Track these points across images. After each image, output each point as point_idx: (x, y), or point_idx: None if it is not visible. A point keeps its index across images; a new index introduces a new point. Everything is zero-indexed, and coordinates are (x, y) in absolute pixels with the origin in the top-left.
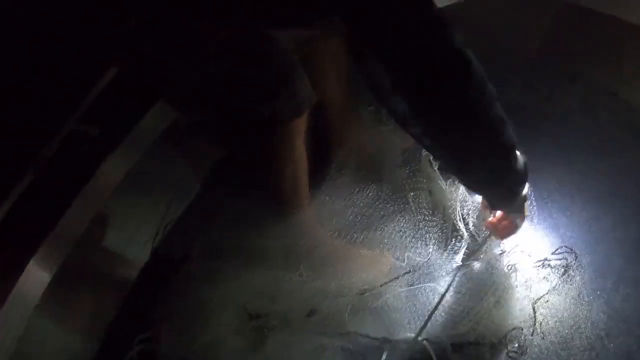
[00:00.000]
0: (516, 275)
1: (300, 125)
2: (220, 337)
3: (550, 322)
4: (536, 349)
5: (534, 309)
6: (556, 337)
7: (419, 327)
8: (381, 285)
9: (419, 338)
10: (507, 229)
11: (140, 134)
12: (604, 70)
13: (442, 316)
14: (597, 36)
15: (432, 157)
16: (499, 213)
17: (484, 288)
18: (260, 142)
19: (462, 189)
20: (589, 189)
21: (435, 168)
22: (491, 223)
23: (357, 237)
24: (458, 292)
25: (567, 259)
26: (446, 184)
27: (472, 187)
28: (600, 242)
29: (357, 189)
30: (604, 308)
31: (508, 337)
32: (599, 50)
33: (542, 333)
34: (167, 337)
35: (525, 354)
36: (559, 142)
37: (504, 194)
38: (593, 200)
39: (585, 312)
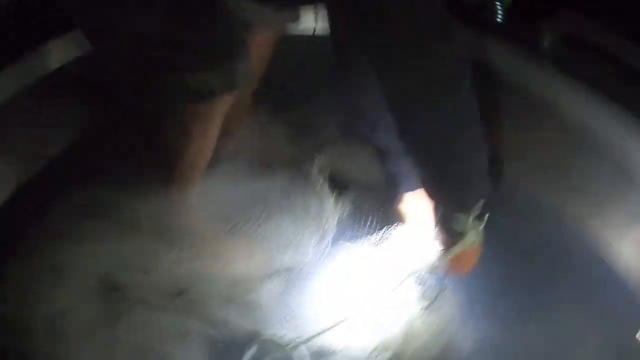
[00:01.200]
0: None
1: (225, 103)
2: (68, 308)
3: (425, 336)
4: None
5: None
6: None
7: (289, 328)
8: (255, 280)
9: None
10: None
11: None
12: None
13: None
14: None
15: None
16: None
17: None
18: (176, 111)
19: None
20: None
21: (324, 175)
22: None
23: (239, 227)
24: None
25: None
26: (331, 193)
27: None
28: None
29: (244, 180)
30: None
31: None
32: None
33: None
34: (10, 301)
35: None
36: None
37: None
38: None
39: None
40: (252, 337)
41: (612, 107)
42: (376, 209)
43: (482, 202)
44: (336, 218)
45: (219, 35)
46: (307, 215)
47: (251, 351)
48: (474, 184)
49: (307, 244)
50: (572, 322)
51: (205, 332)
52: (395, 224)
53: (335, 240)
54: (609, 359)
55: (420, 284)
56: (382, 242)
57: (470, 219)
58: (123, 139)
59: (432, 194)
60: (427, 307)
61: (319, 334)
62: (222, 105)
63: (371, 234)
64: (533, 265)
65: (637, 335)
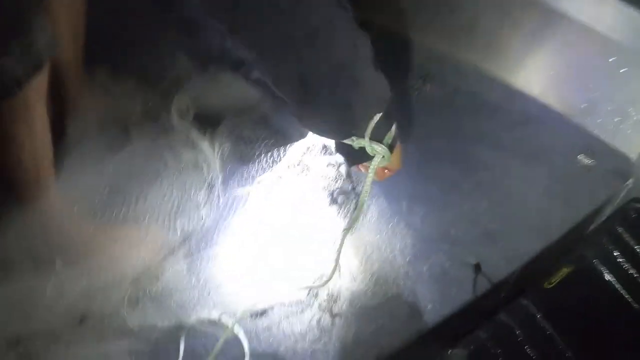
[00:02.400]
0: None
1: (40, 86)
2: None
3: (355, 261)
4: (347, 293)
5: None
6: (367, 274)
7: (211, 302)
8: (156, 265)
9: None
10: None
11: None
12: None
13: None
14: None
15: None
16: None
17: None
18: None
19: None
20: None
21: (189, 119)
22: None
23: (116, 214)
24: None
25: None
26: (204, 135)
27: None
28: None
29: (103, 158)
30: (405, 232)
31: (313, 291)
32: None
33: (351, 274)
34: None
35: (338, 300)
36: None
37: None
38: None
39: (389, 240)
40: (178, 331)
41: None
42: (260, 136)
43: (377, 116)
44: (217, 161)
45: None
46: (185, 170)
47: (182, 345)
48: (353, 101)
49: (197, 204)
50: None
51: (126, 347)
52: (288, 147)
53: (226, 187)
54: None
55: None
56: (279, 173)
57: (367, 140)
58: None
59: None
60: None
61: (248, 307)
62: (38, 89)
63: (263, 167)
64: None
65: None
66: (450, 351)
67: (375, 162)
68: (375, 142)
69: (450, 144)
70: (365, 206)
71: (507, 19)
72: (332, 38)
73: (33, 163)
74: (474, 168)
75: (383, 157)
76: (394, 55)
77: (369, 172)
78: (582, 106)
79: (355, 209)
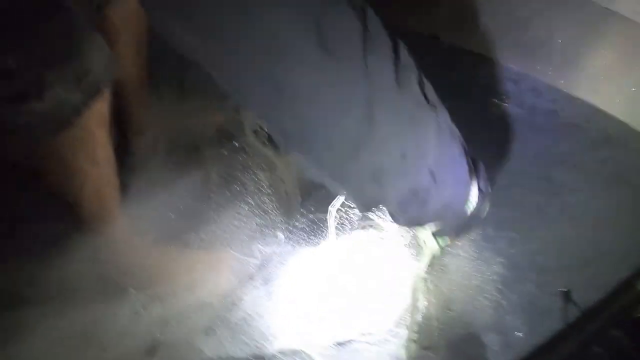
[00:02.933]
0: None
1: (101, 111)
2: None
3: (443, 290)
4: (436, 323)
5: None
6: (456, 304)
7: (292, 330)
8: (233, 292)
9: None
10: None
11: None
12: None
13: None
14: None
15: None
16: None
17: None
18: (46, 146)
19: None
20: None
21: (265, 140)
22: None
23: (188, 239)
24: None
25: None
26: (279, 155)
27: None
28: None
29: (174, 181)
30: (493, 259)
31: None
32: None
33: (439, 303)
34: None
35: (426, 331)
36: None
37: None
38: None
39: (477, 268)
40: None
41: None
42: None
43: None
44: (295, 183)
45: (51, 32)
46: (260, 192)
47: None
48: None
49: (274, 227)
50: None
51: None
52: None
53: (304, 210)
54: None
55: None
56: None
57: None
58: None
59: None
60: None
61: (330, 337)
62: (98, 115)
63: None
64: None
65: None
66: None
67: (425, 263)
68: (431, 237)
69: (531, 166)
70: None
71: (585, 34)
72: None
73: (97, 192)
74: (557, 191)
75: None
76: (469, 74)
77: (417, 271)
78: None
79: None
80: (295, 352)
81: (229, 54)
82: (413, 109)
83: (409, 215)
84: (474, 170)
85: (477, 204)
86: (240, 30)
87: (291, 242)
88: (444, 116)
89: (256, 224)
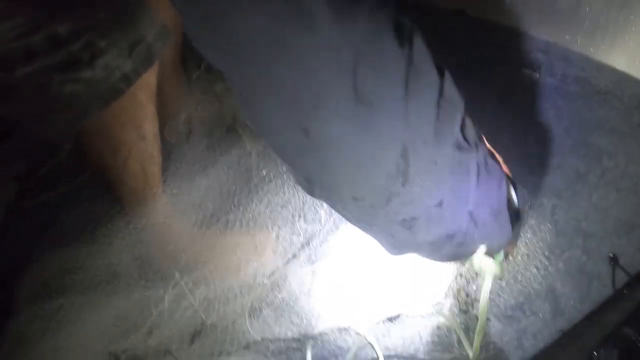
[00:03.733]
0: None
1: (151, 84)
2: None
3: (489, 260)
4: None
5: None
6: (507, 273)
7: (339, 308)
8: (277, 272)
9: (346, 326)
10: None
11: None
12: None
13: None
14: None
15: None
16: None
17: None
18: (93, 118)
19: None
20: None
21: None
22: None
23: (230, 220)
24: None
25: None
26: None
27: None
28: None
29: (212, 162)
30: (537, 227)
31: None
32: None
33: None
34: None
35: (475, 302)
36: None
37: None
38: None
39: (522, 236)
40: (305, 339)
41: None
42: None
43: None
44: None
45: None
46: None
47: (309, 357)
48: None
49: (315, 205)
50: None
51: None
52: None
53: None
54: None
55: None
56: None
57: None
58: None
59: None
60: None
61: (378, 313)
62: (148, 87)
63: None
64: None
65: None
66: (598, 352)
67: (488, 287)
68: (485, 259)
69: (567, 133)
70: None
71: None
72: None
73: (142, 168)
74: (596, 156)
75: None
76: (497, 47)
77: (482, 295)
78: None
79: None
80: (343, 330)
81: (258, 95)
82: (452, 157)
83: (445, 253)
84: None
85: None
86: (272, 76)
87: (334, 219)
88: (483, 151)
89: (299, 201)
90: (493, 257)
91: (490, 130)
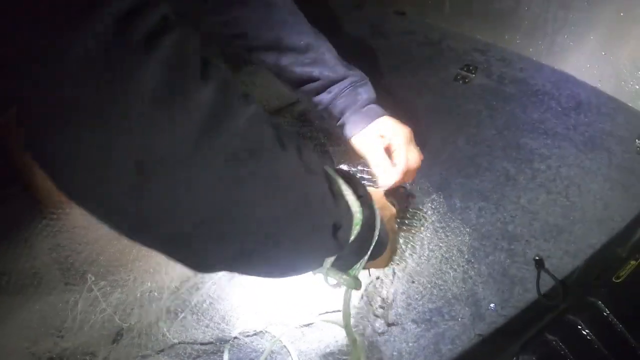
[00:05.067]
0: None
1: None
2: None
3: (411, 263)
4: (403, 297)
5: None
6: (423, 277)
7: (255, 312)
8: (195, 275)
9: (261, 330)
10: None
11: None
12: None
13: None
14: None
15: None
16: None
17: None
18: None
19: None
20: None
21: None
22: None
23: None
24: None
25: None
26: None
27: None
28: (433, 165)
29: None
30: (461, 229)
31: (367, 294)
32: None
33: (406, 277)
34: None
35: (393, 306)
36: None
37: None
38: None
39: (445, 239)
40: (222, 343)
41: None
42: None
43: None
44: None
45: None
46: None
47: (226, 356)
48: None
49: None
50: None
51: None
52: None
53: None
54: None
55: None
56: None
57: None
58: None
59: None
60: None
61: (293, 318)
62: None
63: None
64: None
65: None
66: (517, 357)
67: (348, 297)
68: (337, 274)
69: (501, 135)
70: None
71: (551, 1)
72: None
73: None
74: (528, 158)
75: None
76: (435, 47)
77: (343, 305)
78: (635, 87)
79: None
80: (259, 334)
81: None
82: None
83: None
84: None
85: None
86: None
87: None
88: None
89: None
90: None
91: (421, 130)
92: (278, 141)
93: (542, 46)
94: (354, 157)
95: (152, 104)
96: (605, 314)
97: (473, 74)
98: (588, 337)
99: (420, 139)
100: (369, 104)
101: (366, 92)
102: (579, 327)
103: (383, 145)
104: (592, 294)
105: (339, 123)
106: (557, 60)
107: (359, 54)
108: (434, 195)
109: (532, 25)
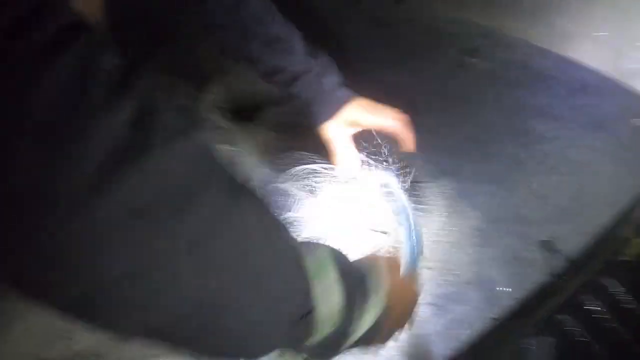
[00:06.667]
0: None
1: None
2: None
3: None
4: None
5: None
6: (435, 262)
7: None
8: None
9: None
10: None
11: None
12: None
13: None
14: None
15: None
16: None
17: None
18: None
19: None
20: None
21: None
22: None
23: None
24: None
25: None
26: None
27: None
28: (442, 151)
29: None
30: (472, 214)
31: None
32: None
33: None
34: None
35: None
36: (359, 57)
37: None
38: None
39: (456, 224)
40: None
41: None
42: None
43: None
44: (254, 155)
45: None
46: None
47: None
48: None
49: None
50: None
51: None
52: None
53: (263, 181)
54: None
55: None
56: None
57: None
58: None
59: None
60: None
61: None
62: None
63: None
64: None
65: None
66: (533, 340)
67: None
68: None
69: (507, 119)
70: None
71: None
72: None
73: None
74: (536, 142)
75: None
76: (437, 32)
77: None
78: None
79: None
80: None
81: None
82: None
83: None
84: None
85: None
86: None
87: None
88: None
89: None
90: None
91: (427, 118)
92: (224, 191)
93: (544, 30)
94: (322, 149)
95: (39, 137)
96: (619, 292)
97: (477, 59)
98: (605, 318)
99: (427, 126)
100: (334, 92)
101: (330, 81)
102: (595, 308)
103: (351, 132)
104: (606, 274)
105: (308, 116)
106: (560, 43)
107: (359, 45)
108: (444, 181)
109: (533, 9)
